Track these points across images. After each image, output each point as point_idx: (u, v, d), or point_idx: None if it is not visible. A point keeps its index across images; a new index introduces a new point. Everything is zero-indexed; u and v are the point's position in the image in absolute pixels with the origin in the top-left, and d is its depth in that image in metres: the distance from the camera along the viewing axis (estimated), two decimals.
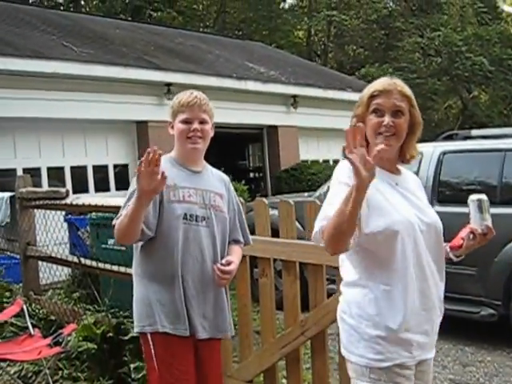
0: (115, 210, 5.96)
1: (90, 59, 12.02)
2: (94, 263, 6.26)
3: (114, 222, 3.18)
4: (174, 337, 3.24)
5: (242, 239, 3.58)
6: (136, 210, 2.97)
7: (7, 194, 7.74)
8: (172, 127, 3.41)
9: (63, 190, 6.52)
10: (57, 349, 5.14)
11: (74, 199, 6.38)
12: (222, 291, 3.44)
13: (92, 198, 6.66)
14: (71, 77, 11.31)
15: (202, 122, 3.34)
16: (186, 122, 3.32)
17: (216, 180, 3.52)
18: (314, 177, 14.97)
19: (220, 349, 3.60)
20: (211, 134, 3.42)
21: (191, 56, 15.91)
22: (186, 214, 3.26)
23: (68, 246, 8.86)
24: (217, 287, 3.38)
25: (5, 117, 10.59)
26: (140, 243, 3.31)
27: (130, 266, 5.75)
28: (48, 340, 5.26)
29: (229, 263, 3.32)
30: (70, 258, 6.75)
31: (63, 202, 6.42)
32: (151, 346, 3.29)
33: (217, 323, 3.41)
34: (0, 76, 10.51)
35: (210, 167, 3.56)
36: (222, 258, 3.36)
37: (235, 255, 3.47)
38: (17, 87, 10.72)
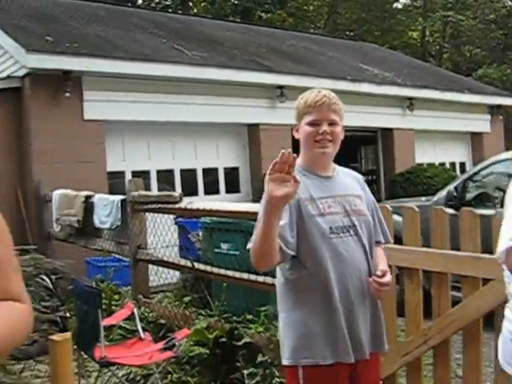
0: (230, 214, 6.10)
1: (202, 62, 12.14)
2: (208, 268, 6.26)
3: (248, 247, 2.87)
4: (331, 367, 2.93)
5: (382, 239, 3.27)
6: (267, 223, 2.68)
7: (118, 198, 7.83)
8: (297, 130, 3.12)
9: (176, 194, 6.57)
10: (168, 354, 5.16)
11: (188, 203, 6.39)
12: (378, 304, 3.15)
13: (206, 202, 6.66)
14: (182, 80, 11.47)
15: (332, 123, 3.02)
16: (313, 123, 3.02)
17: (351, 181, 3.23)
18: (429, 180, 14.65)
19: (378, 366, 3.31)
20: (341, 136, 3.11)
21: (303, 58, 15.86)
22: (331, 228, 2.96)
23: (176, 248, 8.95)
24: (373, 301, 3.09)
25: (115, 120, 10.86)
26: (282, 279, 3.04)
27: (243, 270, 5.86)
28: (160, 345, 5.29)
29: (383, 273, 3.01)
30: (183, 262, 6.79)
31: (176, 206, 6.46)
32: (300, 381, 2.95)
33: (375, 339, 3.11)
34: (111, 79, 10.79)
35: (339, 168, 3.26)
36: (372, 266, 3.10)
37: (383, 261, 3.18)
38: (128, 90, 10.97)
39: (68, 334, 3.06)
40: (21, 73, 10.39)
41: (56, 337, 3.02)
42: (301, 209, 2.92)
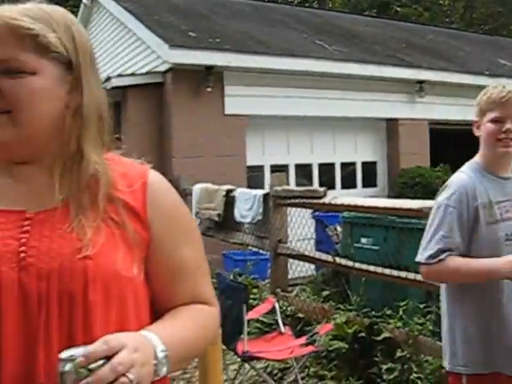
0: (374, 210, 6.07)
1: (343, 57, 12.10)
2: (349, 263, 6.22)
3: (421, 260, 2.78)
4: (495, 377, 2.78)
5: None
6: (492, 274, 2.64)
7: (261, 192, 7.85)
8: (478, 127, 2.93)
9: (321, 189, 6.55)
10: (310, 348, 5.16)
11: (332, 198, 6.37)
12: None
13: (350, 197, 6.62)
14: (323, 75, 11.43)
15: None
16: (496, 121, 2.82)
17: None
18: None
19: None
20: None
21: (443, 53, 15.48)
22: (506, 235, 2.76)
23: (311, 242, 8.96)
24: None
25: (256, 114, 10.95)
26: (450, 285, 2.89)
27: (382, 265, 5.82)
28: (302, 340, 5.30)
29: None
30: (324, 256, 6.76)
31: (321, 201, 6.44)
32: None
33: None
34: (252, 74, 10.89)
35: None
36: None
37: None
38: (269, 85, 11.04)
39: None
40: (163, 68, 10.64)
41: None
42: (477, 215, 2.75)
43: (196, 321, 1.53)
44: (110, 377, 1.19)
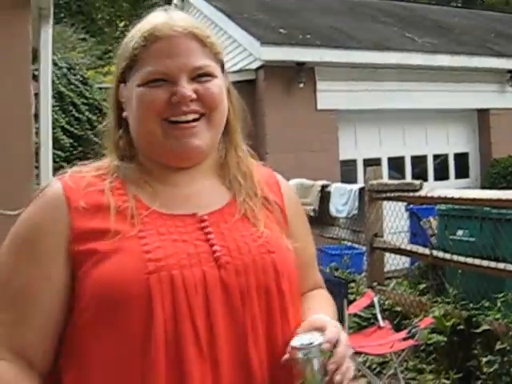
0: (471, 202, 5.93)
1: (433, 49, 11.96)
2: (446, 255, 6.14)
3: None
4: None
5: None
6: None
7: (356, 187, 7.84)
8: None
9: (417, 182, 6.48)
10: (409, 342, 5.14)
11: (429, 191, 6.32)
12: None
13: (447, 190, 6.52)
14: (413, 67, 11.34)
15: None
16: None
17: None
18: None
19: None
20: None
21: None
22: None
23: (404, 234, 8.89)
24: None
25: (347, 109, 10.95)
26: None
27: (478, 257, 5.73)
28: (403, 334, 5.29)
29: None
30: (421, 249, 6.69)
31: (417, 194, 6.39)
32: None
33: None
34: (343, 69, 10.89)
35: None
36: None
37: None
38: (360, 79, 11.01)
39: None
40: (254, 65, 10.75)
41: None
42: None
43: (332, 307, 1.67)
44: (347, 353, 1.33)
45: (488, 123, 12.35)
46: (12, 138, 4.77)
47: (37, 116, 5.56)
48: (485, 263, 5.58)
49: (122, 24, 26.85)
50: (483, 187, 11.40)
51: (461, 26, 15.31)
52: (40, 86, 5.76)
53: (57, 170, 6.05)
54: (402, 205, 7.91)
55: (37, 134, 5.60)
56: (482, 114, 12.50)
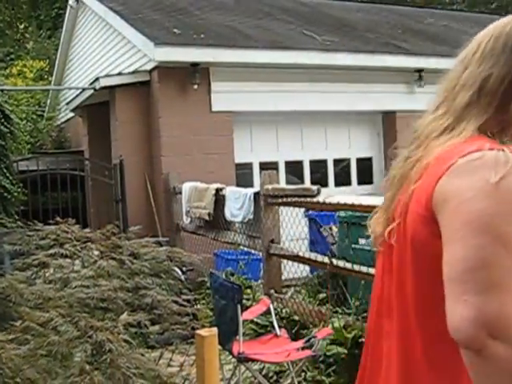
0: (371, 209, 6.05)
1: (334, 47, 12.09)
2: (348, 265, 6.24)
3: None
4: None
5: None
6: None
7: (251, 191, 7.95)
8: None
9: (314, 187, 6.59)
10: (307, 352, 5.26)
11: (327, 197, 6.41)
12: None
13: (346, 196, 6.64)
14: (313, 67, 11.50)
15: None
16: None
17: None
18: None
19: None
20: None
21: (444, 38, 15.23)
22: None
23: (305, 241, 9.04)
24: None
25: (243, 110, 11.11)
26: None
27: None
28: (300, 343, 5.40)
29: None
30: (320, 258, 6.80)
31: (314, 199, 6.49)
32: None
33: None
34: (239, 69, 11.06)
35: None
36: None
37: None
38: (256, 80, 11.16)
39: (214, 330, 3.27)
40: (149, 66, 10.83)
41: (203, 332, 3.24)
42: None
43: None
44: None
45: (394, 126, 12.56)
46: None
47: None
48: None
49: (21, 26, 27.59)
50: None
51: (365, 22, 15.50)
52: None
53: None
54: (300, 211, 8.04)
55: None
56: (388, 116, 12.71)
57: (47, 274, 5.74)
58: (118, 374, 3.32)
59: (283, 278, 7.79)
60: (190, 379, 5.22)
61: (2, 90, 11.62)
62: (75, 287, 5.03)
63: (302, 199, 6.75)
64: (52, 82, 19.23)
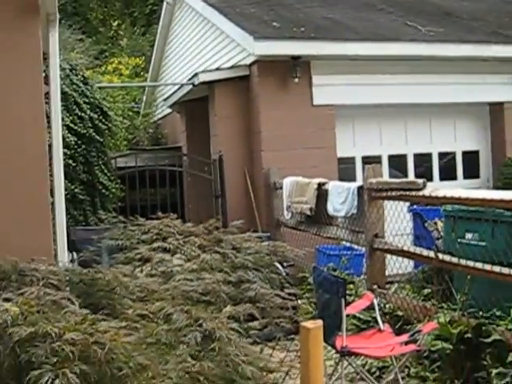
0: (480, 203, 5.92)
1: (439, 38, 11.99)
2: (454, 259, 6.19)
3: None
4: None
5: None
6: None
7: (355, 185, 7.97)
8: None
9: (420, 180, 6.55)
10: (411, 347, 5.25)
11: (433, 190, 6.38)
12: None
13: (453, 189, 6.52)
14: (417, 58, 11.46)
15: None
16: None
17: None
18: None
19: None
20: None
21: None
22: None
23: (408, 237, 9.03)
24: None
25: (345, 104, 11.18)
26: None
27: (490, 262, 5.71)
28: (404, 337, 5.40)
29: None
30: (425, 252, 6.75)
31: (420, 193, 6.47)
32: None
33: None
34: (341, 62, 11.16)
35: None
36: None
37: None
38: (358, 73, 11.20)
39: (320, 322, 3.35)
40: (248, 61, 11.02)
41: (309, 324, 3.33)
42: None
43: None
44: None
45: (502, 118, 12.36)
46: (27, 138, 5.26)
47: (47, 116, 5.95)
48: (496, 269, 5.61)
49: (115, 23, 28.08)
50: (496, 188, 11.40)
51: (470, 11, 15.06)
52: (50, 88, 6.14)
53: (64, 167, 6.36)
54: (404, 205, 8.01)
55: (48, 133, 5.98)
56: (495, 107, 12.50)
57: (149, 268, 5.91)
58: (227, 361, 3.46)
59: (386, 274, 7.76)
60: (290, 375, 5.31)
61: (100, 88, 12.02)
62: (179, 280, 5.19)
63: (408, 193, 6.71)
64: (148, 79, 19.68)
